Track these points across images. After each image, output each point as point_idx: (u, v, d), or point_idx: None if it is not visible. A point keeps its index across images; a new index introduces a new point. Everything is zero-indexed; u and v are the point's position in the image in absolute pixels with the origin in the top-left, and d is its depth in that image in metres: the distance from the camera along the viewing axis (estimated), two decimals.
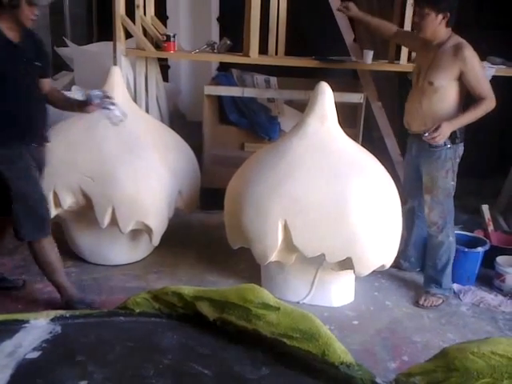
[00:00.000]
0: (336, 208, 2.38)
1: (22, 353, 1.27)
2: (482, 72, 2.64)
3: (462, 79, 2.56)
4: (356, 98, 3.60)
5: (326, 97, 2.53)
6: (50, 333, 1.37)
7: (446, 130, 2.53)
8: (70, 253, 3.06)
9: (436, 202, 2.71)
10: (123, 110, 2.49)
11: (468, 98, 2.66)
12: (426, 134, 2.54)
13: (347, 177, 2.43)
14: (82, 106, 2.49)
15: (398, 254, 2.67)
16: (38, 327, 1.38)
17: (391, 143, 3.86)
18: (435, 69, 2.59)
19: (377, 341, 2.49)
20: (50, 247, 2.50)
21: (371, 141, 4.00)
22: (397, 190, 2.64)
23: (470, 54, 2.53)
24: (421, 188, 2.78)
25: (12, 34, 2.28)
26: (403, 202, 2.72)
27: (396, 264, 2.88)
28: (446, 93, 2.60)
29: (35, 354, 1.28)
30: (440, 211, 2.72)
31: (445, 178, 2.67)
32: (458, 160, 2.69)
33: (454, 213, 2.78)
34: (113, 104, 2.44)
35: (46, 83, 2.53)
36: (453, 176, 2.69)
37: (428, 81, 2.61)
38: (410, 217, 2.94)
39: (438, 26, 2.55)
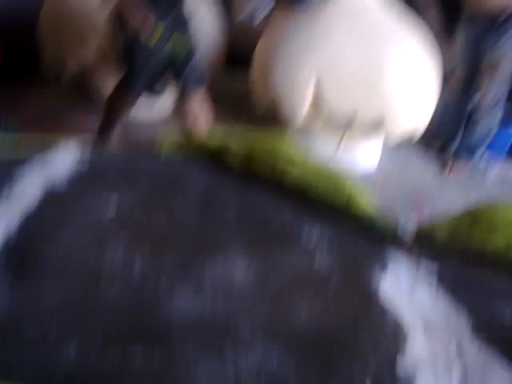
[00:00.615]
0: (371, 67, 2.29)
1: (51, 175, 1.29)
2: None
3: None
4: None
5: None
6: (80, 160, 1.38)
7: None
8: (93, 102, 3.05)
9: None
10: None
11: None
12: None
13: (387, 36, 2.31)
14: None
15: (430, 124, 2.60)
16: (68, 153, 1.40)
17: (432, 14, 3.62)
18: None
19: (399, 203, 2.49)
20: None
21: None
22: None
23: None
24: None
25: None
26: None
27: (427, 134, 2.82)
28: None
29: (64, 179, 1.29)
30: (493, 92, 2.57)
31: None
32: None
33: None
34: None
35: None
36: None
37: None
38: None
39: None
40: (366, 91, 2.33)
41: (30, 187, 1.23)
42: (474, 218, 1.35)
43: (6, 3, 3.34)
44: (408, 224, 1.35)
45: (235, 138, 1.58)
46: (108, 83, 2.87)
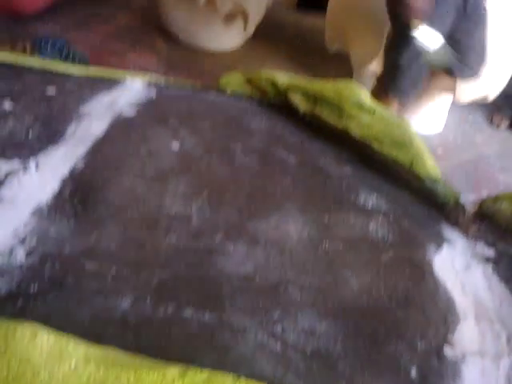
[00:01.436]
0: None
1: (118, 108, 1.30)
2: None
3: None
4: None
5: None
6: (145, 96, 1.38)
7: None
8: (161, 29, 3.01)
9: None
10: None
11: None
12: None
13: None
14: None
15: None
16: (134, 88, 1.39)
17: None
18: None
19: (459, 173, 2.41)
20: None
21: None
22: None
23: None
24: None
25: None
26: None
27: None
28: None
29: (130, 112, 1.30)
30: None
31: None
32: None
33: None
34: None
35: None
36: None
37: None
38: None
39: None
40: None
41: (98, 115, 1.25)
42: None
43: None
44: (468, 199, 1.30)
45: (303, 82, 1.53)
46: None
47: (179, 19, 2.91)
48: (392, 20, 1.98)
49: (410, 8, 1.78)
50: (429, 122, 2.60)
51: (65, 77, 1.39)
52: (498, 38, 2.20)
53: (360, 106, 1.42)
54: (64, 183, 0.98)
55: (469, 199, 2.19)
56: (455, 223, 1.21)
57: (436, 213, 1.26)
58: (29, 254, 0.84)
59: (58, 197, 0.94)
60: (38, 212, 0.90)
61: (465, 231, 1.19)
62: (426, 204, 1.28)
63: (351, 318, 0.82)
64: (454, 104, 2.51)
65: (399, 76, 2.05)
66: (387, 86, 2.13)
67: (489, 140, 2.68)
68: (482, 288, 0.95)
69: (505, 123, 2.68)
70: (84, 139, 1.14)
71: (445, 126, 2.68)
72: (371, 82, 2.48)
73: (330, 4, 2.53)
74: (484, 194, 2.31)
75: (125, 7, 3.27)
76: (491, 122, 2.69)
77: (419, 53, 1.96)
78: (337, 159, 1.38)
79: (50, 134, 1.12)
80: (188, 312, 0.78)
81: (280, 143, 1.39)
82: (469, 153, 2.57)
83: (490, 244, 1.15)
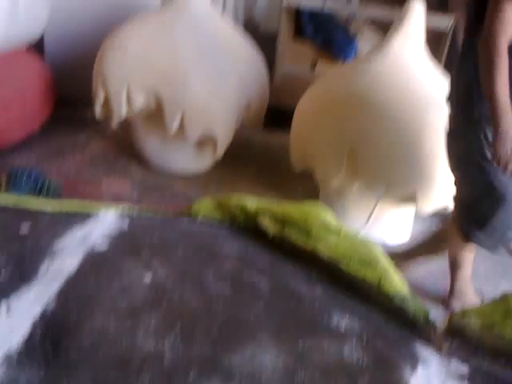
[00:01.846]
0: (406, 138, 2.29)
1: (91, 242, 1.33)
2: None
3: None
4: (445, 22, 3.36)
5: (417, 16, 2.36)
6: (118, 227, 1.41)
7: None
8: (134, 154, 3.15)
9: None
10: None
11: None
12: None
13: (425, 108, 2.32)
14: None
15: None
16: (107, 220, 1.43)
17: None
18: None
19: (429, 282, 2.47)
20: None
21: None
22: None
23: None
24: None
25: None
26: None
27: None
28: None
29: (103, 246, 1.33)
30: None
31: None
32: None
33: None
34: None
35: None
36: None
37: None
38: None
39: None
40: (399, 164, 2.34)
41: (71, 251, 1.27)
42: (507, 306, 1.32)
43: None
44: (439, 316, 1.33)
45: (270, 205, 1.60)
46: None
47: (151, 146, 3.05)
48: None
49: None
50: (395, 231, 2.70)
51: (39, 213, 1.43)
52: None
53: (326, 227, 1.48)
54: (35, 326, 0.98)
55: (440, 311, 2.25)
56: (428, 341, 1.22)
57: (408, 331, 1.28)
58: None
59: (29, 342, 0.93)
60: (7, 360, 0.89)
61: (438, 348, 1.20)
62: (398, 322, 1.30)
63: None
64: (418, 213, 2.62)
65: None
66: None
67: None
68: None
69: None
70: (56, 277, 1.15)
71: (411, 234, 2.78)
72: (337, 197, 2.60)
73: (293, 126, 2.71)
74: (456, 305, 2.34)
75: (99, 135, 3.42)
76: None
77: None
78: (307, 281, 1.41)
79: (23, 273, 1.13)
80: None
81: (251, 267, 1.42)
82: (437, 261, 2.64)
83: (463, 360, 1.16)
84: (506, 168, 1.79)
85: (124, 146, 3.25)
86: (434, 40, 3.54)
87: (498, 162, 1.78)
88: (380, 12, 3.56)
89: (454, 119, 2.01)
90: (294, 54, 3.92)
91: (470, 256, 2.20)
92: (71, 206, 1.52)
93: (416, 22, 2.34)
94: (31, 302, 1.05)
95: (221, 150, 2.88)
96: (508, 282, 2.52)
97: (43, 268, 1.18)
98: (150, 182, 2.95)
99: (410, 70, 2.40)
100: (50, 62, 3.44)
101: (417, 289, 2.39)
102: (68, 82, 3.44)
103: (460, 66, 1.99)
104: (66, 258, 1.24)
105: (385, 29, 2.66)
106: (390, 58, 2.37)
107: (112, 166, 3.05)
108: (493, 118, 1.74)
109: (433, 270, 2.56)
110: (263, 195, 2.93)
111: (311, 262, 1.45)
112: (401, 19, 2.36)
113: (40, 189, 2.36)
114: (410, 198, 2.36)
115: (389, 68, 2.36)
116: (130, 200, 2.73)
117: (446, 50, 3.52)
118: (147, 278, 1.23)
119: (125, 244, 1.36)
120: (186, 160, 3.07)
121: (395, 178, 2.33)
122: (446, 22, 3.36)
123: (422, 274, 2.48)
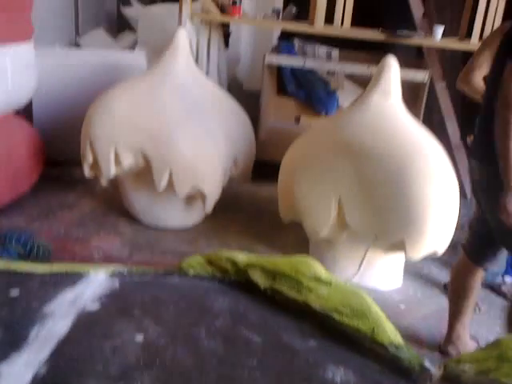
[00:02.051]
0: (392, 188, 2.34)
1: (82, 303, 1.32)
2: None
3: None
4: (420, 76, 3.50)
5: (393, 71, 2.46)
6: (109, 287, 1.41)
7: None
8: (123, 211, 3.16)
9: None
10: None
11: None
12: None
13: (407, 157, 2.37)
14: None
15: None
16: (98, 280, 1.43)
17: (452, 127, 3.73)
18: None
19: (423, 327, 2.46)
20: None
21: (431, 124, 3.90)
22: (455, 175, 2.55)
23: None
24: None
25: None
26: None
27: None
28: None
29: (94, 307, 1.32)
30: None
31: None
32: None
33: None
34: None
35: None
36: None
37: None
38: None
39: None
40: (386, 213, 2.37)
41: (61, 313, 1.26)
42: (501, 351, 1.32)
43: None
44: (435, 362, 1.32)
45: (261, 258, 1.61)
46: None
47: (141, 202, 3.07)
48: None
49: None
50: (387, 277, 2.70)
51: (28, 276, 1.43)
52: (440, 193, 2.39)
53: (317, 279, 1.49)
54: None
55: (436, 355, 2.23)
56: None
57: (404, 380, 1.27)
58: None
59: None
60: None
61: None
62: (392, 372, 1.29)
63: None
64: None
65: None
66: None
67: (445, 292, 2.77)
68: None
69: None
70: (47, 341, 1.14)
71: (403, 280, 2.78)
72: (327, 247, 2.62)
73: (279, 180, 2.75)
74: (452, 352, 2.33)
75: (88, 194, 3.45)
76: (444, 287, 2.79)
77: None
78: (300, 333, 1.40)
79: (13, 339, 1.12)
80: None
81: (243, 322, 1.41)
82: (430, 306, 2.64)
83: None
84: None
85: (113, 203, 3.26)
86: (414, 90, 3.69)
87: (507, 218, 1.83)
88: (358, 68, 3.70)
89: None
90: (278, 110, 4.04)
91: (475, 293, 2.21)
92: (61, 269, 1.52)
93: (392, 75, 2.44)
94: (22, 369, 1.04)
95: (209, 205, 2.91)
96: (502, 325, 2.51)
97: (33, 332, 1.17)
98: (139, 239, 2.95)
99: (392, 121, 2.48)
100: (39, 126, 3.51)
101: (412, 334, 2.43)
102: (56, 145, 3.50)
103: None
104: (58, 320, 1.23)
105: (364, 83, 2.77)
106: (371, 110, 2.46)
107: (102, 224, 3.05)
108: (505, 176, 1.80)
109: (427, 314, 2.56)
110: (253, 247, 2.99)
111: (303, 313, 1.45)
112: (378, 73, 2.47)
113: (29, 252, 2.36)
114: (399, 245, 2.38)
115: (371, 119, 2.44)
116: (120, 257, 2.72)
117: (424, 100, 3.66)
118: (139, 337, 1.22)
119: (116, 303, 1.36)
120: (176, 216, 3.09)
121: (383, 227, 2.36)
122: (421, 75, 3.51)
123: (416, 320, 2.48)
